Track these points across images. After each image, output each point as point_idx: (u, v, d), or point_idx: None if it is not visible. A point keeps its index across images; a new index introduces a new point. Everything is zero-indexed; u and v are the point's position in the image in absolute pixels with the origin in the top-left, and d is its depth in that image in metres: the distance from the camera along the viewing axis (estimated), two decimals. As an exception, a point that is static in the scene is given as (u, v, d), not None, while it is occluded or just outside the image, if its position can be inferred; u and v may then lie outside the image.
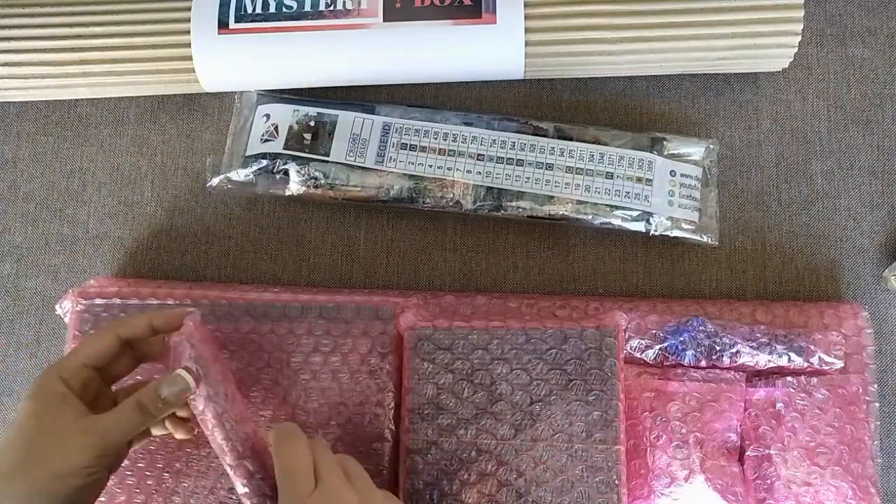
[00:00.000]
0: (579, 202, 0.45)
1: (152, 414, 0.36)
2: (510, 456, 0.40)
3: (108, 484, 0.42)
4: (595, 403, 0.40)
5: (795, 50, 0.45)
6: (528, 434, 0.40)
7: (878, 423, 0.43)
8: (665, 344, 0.43)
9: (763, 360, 0.42)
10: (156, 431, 0.41)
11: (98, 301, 0.45)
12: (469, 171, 0.46)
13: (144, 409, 0.35)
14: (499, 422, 0.40)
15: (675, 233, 0.45)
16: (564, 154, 0.46)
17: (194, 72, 0.47)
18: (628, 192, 0.45)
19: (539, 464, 0.40)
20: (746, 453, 0.42)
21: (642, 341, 0.43)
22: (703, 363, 0.43)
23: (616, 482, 0.39)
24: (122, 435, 0.35)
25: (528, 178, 0.46)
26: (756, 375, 0.43)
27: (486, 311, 0.46)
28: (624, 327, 0.42)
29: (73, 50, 0.47)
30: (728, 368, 0.43)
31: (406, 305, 0.44)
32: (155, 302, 0.44)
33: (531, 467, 0.40)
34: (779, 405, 0.41)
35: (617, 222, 0.45)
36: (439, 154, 0.46)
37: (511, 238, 0.48)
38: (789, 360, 0.42)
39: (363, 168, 0.46)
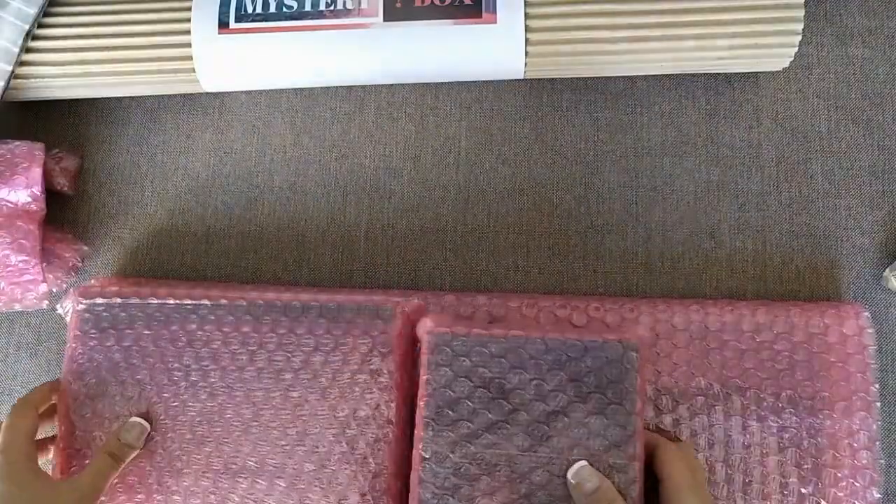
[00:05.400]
0: None
1: (121, 459, 0.42)
2: (525, 467, 0.39)
3: (111, 482, 0.43)
4: (613, 418, 0.38)
5: (795, 50, 0.45)
6: (544, 446, 0.39)
7: (879, 422, 0.42)
8: None
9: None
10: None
11: (99, 301, 0.45)
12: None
13: (115, 456, 0.42)
14: (514, 432, 0.39)
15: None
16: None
17: (194, 71, 0.47)
18: None
19: (554, 476, 0.39)
20: None
21: None
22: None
23: (633, 497, 0.38)
24: (104, 483, 0.41)
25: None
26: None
27: (506, 317, 0.45)
28: (648, 340, 0.40)
29: (73, 50, 0.47)
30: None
31: (411, 306, 0.43)
32: (155, 301, 0.44)
33: (546, 479, 0.39)
34: None
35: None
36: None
37: (511, 238, 0.48)
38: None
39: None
